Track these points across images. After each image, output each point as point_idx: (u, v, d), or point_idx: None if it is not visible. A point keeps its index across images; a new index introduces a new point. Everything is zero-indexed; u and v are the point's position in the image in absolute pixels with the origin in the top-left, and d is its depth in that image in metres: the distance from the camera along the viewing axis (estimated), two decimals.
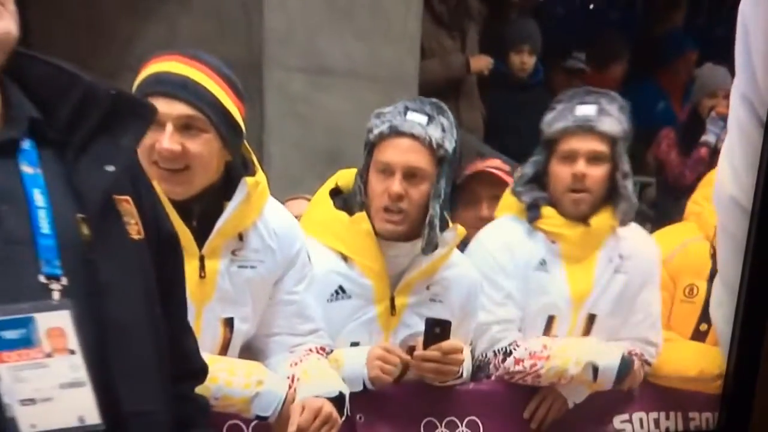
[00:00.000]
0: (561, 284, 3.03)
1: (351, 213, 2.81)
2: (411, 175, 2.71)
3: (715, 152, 5.17)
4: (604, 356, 2.97)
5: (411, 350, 2.81)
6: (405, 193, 2.71)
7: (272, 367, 2.65)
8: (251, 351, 2.70)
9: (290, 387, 2.58)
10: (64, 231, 1.71)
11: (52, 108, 1.74)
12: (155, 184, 2.30)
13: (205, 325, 2.56)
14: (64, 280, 1.70)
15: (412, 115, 2.73)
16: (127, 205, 1.78)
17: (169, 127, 2.39)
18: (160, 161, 2.42)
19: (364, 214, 2.78)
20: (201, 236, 2.51)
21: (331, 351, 2.75)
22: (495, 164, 3.56)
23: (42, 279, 1.68)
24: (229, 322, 2.60)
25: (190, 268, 2.43)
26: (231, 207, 2.52)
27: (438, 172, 2.73)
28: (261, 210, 2.60)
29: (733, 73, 5.27)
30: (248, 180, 2.53)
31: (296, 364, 2.64)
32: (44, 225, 1.70)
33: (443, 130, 2.73)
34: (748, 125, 1.56)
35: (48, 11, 4.44)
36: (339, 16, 4.56)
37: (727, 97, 5.24)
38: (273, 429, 2.58)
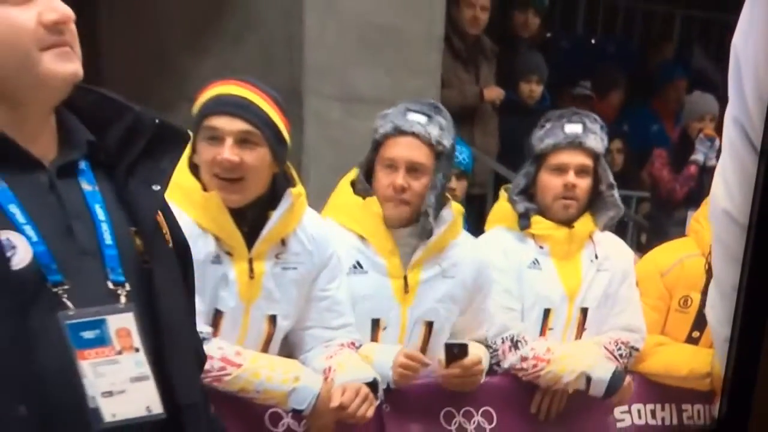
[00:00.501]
0: (554, 280, 3.08)
1: (363, 196, 2.83)
2: (413, 169, 2.75)
3: (703, 170, 5.31)
4: (598, 369, 2.98)
5: (429, 327, 2.88)
6: (408, 185, 2.74)
7: (308, 360, 2.69)
8: (288, 345, 2.72)
9: (326, 378, 2.59)
10: (122, 243, 1.74)
11: (103, 134, 1.75)
12: (215, 193, 2.46)
13: (251, 322, 2.60)
14: (128, 286, 1.73)
15: (412, 116, 2.76)
16: (160, 218, 1.81)
17: (229, 141, 2.45)
18: (220, 172, 2.47)
19: (375, 198, 2.79)
20: (250, 241, 2.54)
21: (360, 346, 2.76)
22: None
23: (110, 285, 1.71)
24: (272, 319, 2.63)
25: (240, 269, 2.53)
26: (277, 215, 2.56)
27: (436, 165, 2.76)
28: (301, 218, 2.64)
29: (718, 100, 5.42)
30: (293, 191, 2.58)
31: (331, 357, 2.65)
32: (107, 237, 1.73)
33: (441, 128, 2.77)
34: (740, 146, 1.59)
35: (117, 47, 4.48)
36: (370, 52, 4.58)
37: (713, 120, 5.43)
38: (308, 421, 2.58)
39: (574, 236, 3.06)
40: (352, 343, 2.75)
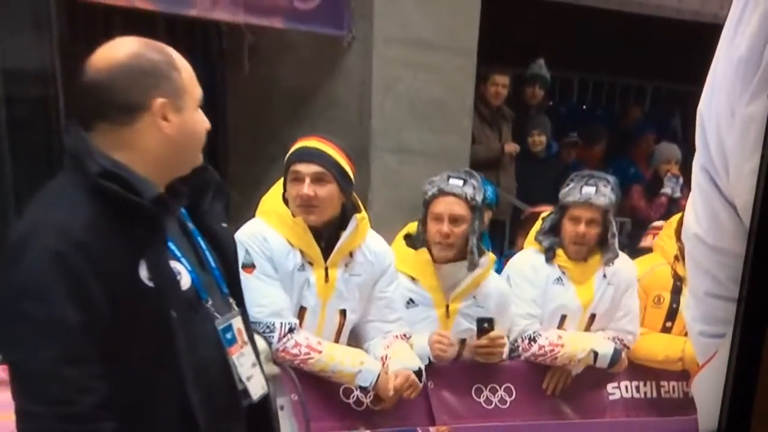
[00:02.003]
0: (572, 295, 3.02)
1: (415, 248, 2.84)
2: (454, 220, 2.76)
3: (671, 200, 5.37)
4: (602, 347, 2.99)
5: (462, 342, 2.86)
6: (451, 232, 2.75)
7: (370, 348, 2.69)
8: (355, 336, 2.72)
9: (383, 363, 2.60)
10: (218, 264, 1.76)
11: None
12: (300, 219, 2.52)
13: (327, 315, 2.60)
14: (231, 297, 1.76)
15: (452, 181, 2.78)
16: None
17: (307, 180, 2.48)
18: (301, 203, 2.49)
19: (425, 249, 2.82)
20: (326, 254, 2.56)
21: (410, 337, 2.75)
22: (544, 208, 3.53)
23: (223, 297, 1.73)
24: (343, 313, 2.62)
25: (319, 275, 2.56)
26: (346, 234, 2.57)
27: (472, 216, 2.77)
28: (364, 237, 2.64)
29: (681, 149, 5.41)
30: (357, 216, 2.59)
31: (387, 347, 2.66)
32: (212, 260, 1.74)
33: (474, 188, 2.79)
34: (706, 186, 1.57)
35: (239, 120, 4.50)
36: (418, 117, 4.56)
37: (677, 163, 5.40)
38: (372, 396, 2.60)
39: (586, 268, 3.02)
40: (404, 335, 2.73)
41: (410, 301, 2.81)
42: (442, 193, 2.76)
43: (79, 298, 1.46)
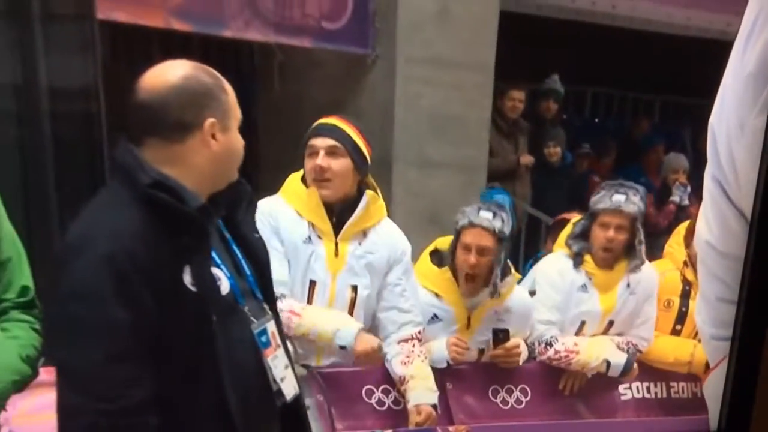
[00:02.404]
0: (595, 302, 2.97)
1: (440, 266, 2.80)
2: (481, 251, 2.70)
3: (679, 208, 5.25)
4: (615, 356, 2.94)
5: (481, 351, 2.82)
6: (477, 262, 2.70)
7: (389, 353, 2.61)
8: (372, 328, 2.65)
9: (402, 384, 2.57)
10: (252, 271, 1.75)
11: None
12: (313, 189, 2.48)
13: (338, 289, 2.54)
14: (264, 302, 1.75)
15: (483, 213, 2.72)
16: None
17: (321, 152, 2.45)
18: (315, 175, 2.46)
19: (447, 269, 2.77)
20: (337, 229, 2.51)
21: (422, 329, 2.68)
22: (573, 215, 3.51)
23: (262, 303, 1.73)
24: (354, 288, 2.55)
25: (329, 248, 2.52)
26: (359, 209, 2.52)
27: (498, 248, 2.72)
28: (379, 219, 2.59)
29: (689, 159, 5.39)
30: (368, 192, 2.54)
31: (405, 364, 2.59)
32: (246, 268, 1.72)
33: (502, 221, 2.72)
34: (717, 195, 1.55)
35: (270, 133, 4.50)
36: (438, 131, 4.53)
37: (685, 172, 5.36)
38: (354, 355, 2.54)
39: (612, 276, 2.96)
40: (419, 333, 2.65)
41: (434, 317, 2.76)
42: (471, 225, 2.70)
43: (127, 300, 1.47)
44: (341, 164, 2.45)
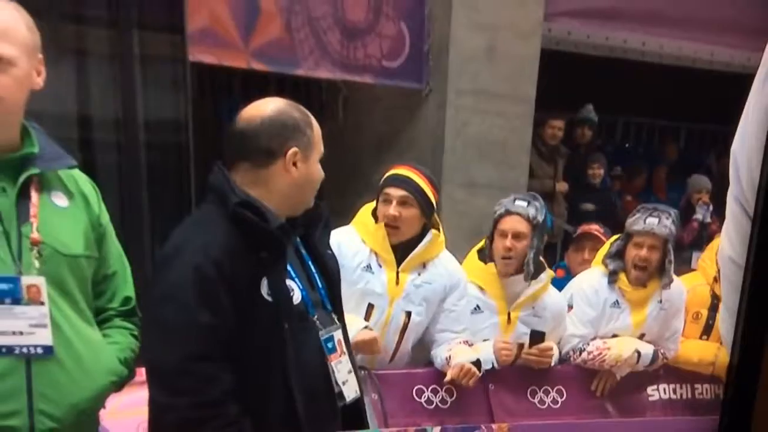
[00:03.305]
0: (626, 318, 2.85)
1: (485, 262, 2.70)
2: (517, 236, 2.60)
3: (702, 225, 5.11)
4: (643, 347, 2.82)
5: (521, 346, 2.70)
6: (513, 247, 2.60)
7: (436, 354, 2.58)
8: (424, 343, 2.62)
9: (447, 363, 2.52)
10: (324, 285, 1.72)
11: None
12: (381, 225, 2.45)
13: (393, 314, 2.49)
14: (333, 312, 1.72)
15: (518, 202, 2.65)
16: None
17: (394, 202, 2.42)
18: (387, 221, 2.43)
19: (493, 263, 2.67)
20: (400, 261, 2.47)
21: (472, 344, 2.63)
22: (594, 228, 3.43)
23: (327, 312, 1.70)
24: (408, 314, 2.51)
25: (390, 277, 2.47)
26: (421, 245, 2.49)
27: (533, 234, 2.61)
28: (438, 253, 2.55)
29: (712, 180, 5.27)
30: (433, 231, 2.50)
31: (450, 349, 2.54)
32: (319, 281, 1.71)
33: (536, 209, 2.63)
34: (739, 214, 1.51)
35: (329, 162, 4.49)
36: (483, 156, 4.43)
37: (707, 192, 5.23)
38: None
39: (645, 295, 2.84)
40: (466, 341, 2.60)
41: (477, 308, 2.68)
42: (508, 212, 2.63)
43: (210, 306, 1.49)
44: (411, 213, 2.44)
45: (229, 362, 1.51)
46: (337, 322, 1.72)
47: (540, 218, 2.63)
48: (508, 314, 2.69)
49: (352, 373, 1.72)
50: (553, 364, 2.74)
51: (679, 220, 2.88)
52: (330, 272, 1.74)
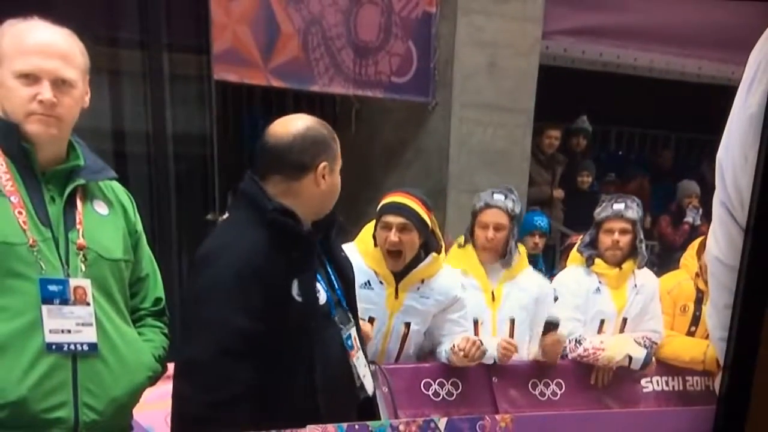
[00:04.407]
0: (609, 301, 2.84)
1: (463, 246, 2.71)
2: (496, 227, 2.62)
3: (692, 227, 5.12)
4: (636, 351, 2.80)
5: (512, 321, 2.70)
6: (494, 237, 2.62)
7: (440, 348, 2.56)
8: (429, 346, 2.61)
9: (453, 349, 2.49)
10: (341, 285, 1.72)
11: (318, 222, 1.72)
12: (378, 249, 2.42)
13: (393, 325, 2.48)
14: (349, 311, 1.72)
15: (496, 196, 2.66)
16: None
17: (394, 228, 2.38)
18: (388, 246, 2.40)
19: (470, 246, 2.69)
20: (399, 278, 2.46)
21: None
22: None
23: (347, 313, 1.71)
24: (407, 325, 2.49)
25: (389, 292, 2.45)
26: (420, 266, 2.47)
27: (511, 224, 2.64)
28: (437, 271, 2.51)
29: (699, 184, 5.28)
30: (433, 254, 2.48)
31: (453, 340, 2.53)
32: (336, 282, 1.71)
33: (513, 202, 2.65)
34: (724, 217, 1.53)
35: (342, 171, 4.50)
36: (486, 164, 4.44)
37: (697, 197, 5.23)
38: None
39: (621, 274, 2.83)
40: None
41: (462, 287, 2.66)
42: (488, 206, 2.64)
43: (246, 307, 1.49)
44: (410, 238, 2.41)
45: (252, 362, 1.50)
46: (352, 320, 1.73)
47: (518, 210, 2.67)
48: (492, 292, 2.70)
49: (367, 368, 1.74)
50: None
51: (641, 206, 2.90)
52: (346, 273, 1.75)
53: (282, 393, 1.56)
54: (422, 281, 2.49)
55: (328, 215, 1.71)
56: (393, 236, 2.40)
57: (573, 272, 2.92)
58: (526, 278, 2.75)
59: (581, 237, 3.02)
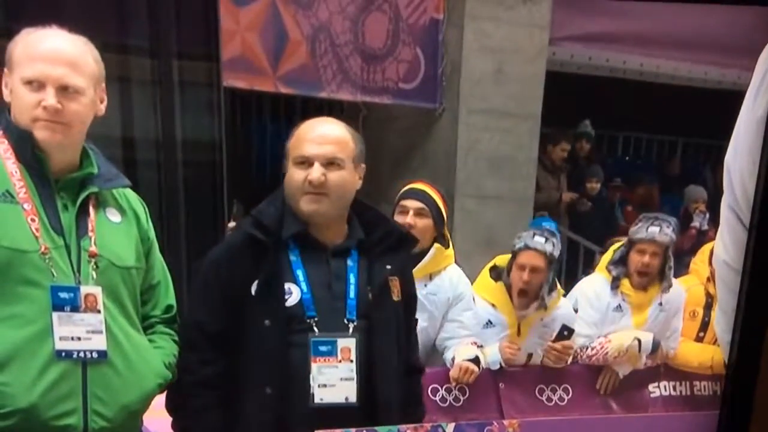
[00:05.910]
0: (628, 320, 2.81)
1: (497, 281, 2.69)
2: (534, 270, 2.58)
3: (700, 232, 5.03)
4: (644, 337, 2.77)
5: (529, 356, 2.70)
6: (530, 279, 2.58)
7: (446, 355, 2.56)
8: (436, 351, 2.60)
9: (452, 364, 2.51)
10: (361, 296, 1.68)
11: (371, 232, 1.74)
12: None
13: None
14: (356, 322, 1.67)
15: (537, 238, 2.61)
16: (394, 282, 1.74)
17: (411, 212, 2.42)
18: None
19: (502, 284, 2.66)
20: None
21: (482, 346, 2.60)
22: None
23: (345, 321, 1.66)
24: (415, 321, 2.47)
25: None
26: (426, 258, 2.47)
27: (548, 268, 2.60)
28: (444, 266, 2.52)
29: (706, 189, 5.24)
30: (436, 246, 2.49)
31: (455, 350, 2.54)
32: (351, 293, 1.67)
33: (553, 245, 2.60)
34: (732, 221, 1.51)
35: None
36: (493, 170, 4.43)
37: (704, 202, 5.19)
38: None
39: (646, 297, 2.81)
40: (474, 342, 2.58)
41: (489, 323, 2.65)
42: (527, 247, 2.59)
43: (206, 304, 1.67)
44: (425, 223, 2.43)
45: (217, 351, 1.63)
46: (351, 331, 1.65)
47: (556, 254, 2.63)
48: (518, 327, 2.67)
49: (351, 382, 1.65)
50: (568, 362, 2.72)
51: (678, 228, 2.86)
52: (374, 284, 1.69)
53: (240, 389, 1.63)
54: (430, 276, 2.49)
55: (383, 228, 1.74)
56: (409, 219, 2.42)
57: (596, 283, 2.87)
58: (555, 315, 2.70)
59: (613, 247, 2.95)
